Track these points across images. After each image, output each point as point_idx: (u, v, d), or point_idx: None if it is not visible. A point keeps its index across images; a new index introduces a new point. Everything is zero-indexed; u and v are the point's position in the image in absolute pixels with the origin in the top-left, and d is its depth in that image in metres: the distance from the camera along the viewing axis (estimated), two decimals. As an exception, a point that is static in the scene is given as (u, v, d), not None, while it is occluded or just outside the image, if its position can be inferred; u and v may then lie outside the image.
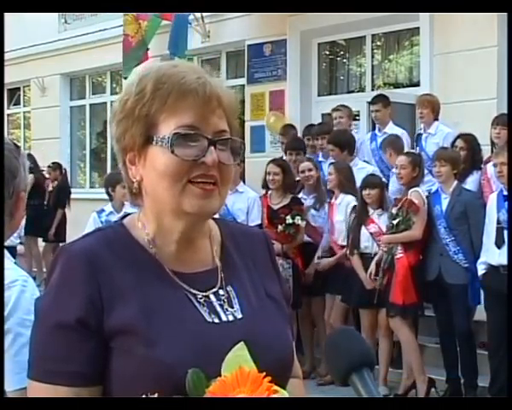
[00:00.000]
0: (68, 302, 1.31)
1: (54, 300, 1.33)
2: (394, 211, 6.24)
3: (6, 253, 1.86)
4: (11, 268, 1.82)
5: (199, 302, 1.38)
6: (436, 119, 7.41)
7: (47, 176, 11.45)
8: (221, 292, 1.41)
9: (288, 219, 6.77)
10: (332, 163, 7.09)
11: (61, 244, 8.01)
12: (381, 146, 7.51)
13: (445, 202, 6.15)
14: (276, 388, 1.17)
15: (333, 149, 7.32)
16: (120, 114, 1.39)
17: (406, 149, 7.13)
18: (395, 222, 6.18)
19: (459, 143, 6.70)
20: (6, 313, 1.72)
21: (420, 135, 7.59)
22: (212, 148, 1.34)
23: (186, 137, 1.34)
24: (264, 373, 1.17)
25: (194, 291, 1.38)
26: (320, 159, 7.86)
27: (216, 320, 1.37)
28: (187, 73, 1.36)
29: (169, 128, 1.34)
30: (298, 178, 7.34)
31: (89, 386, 1.30)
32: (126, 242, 1.40)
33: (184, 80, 1.35)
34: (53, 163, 11.65)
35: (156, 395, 1.21)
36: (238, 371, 1.18)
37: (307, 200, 7.13)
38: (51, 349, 1.30)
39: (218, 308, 1.39)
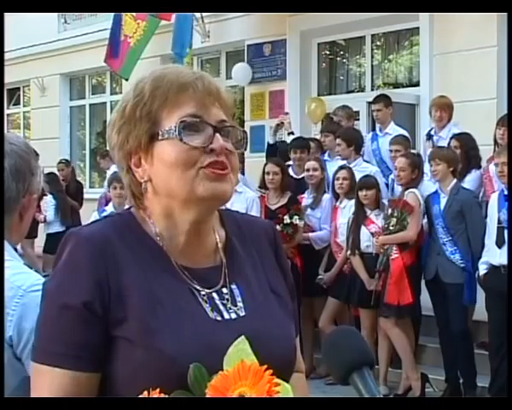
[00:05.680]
0: (75, 285, 1.31)
1: (61, 282, 1.33)
2: (389, 212, 6.25)
3: (15, 255, 1.82)
4: (25, 272, 1.77)
5: (202, 299, 1.38)
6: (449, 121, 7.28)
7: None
8: (224, 290, 1.41)
9: (286, 219, 6.76)
10: (344, 167, 6.94)
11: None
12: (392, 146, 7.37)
13: (443, 202, 6.15)
14: (277, 380, 1.17)
15: (340, 143, 7.27)
16: (120, 121, 1.40)
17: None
18: (390, 223, 6.18)
19: (453, 142, 6.70)
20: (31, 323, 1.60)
21: (431, 135, 7.43)
22: (218, 134, 1.36)
23: (192, 127, 1.36)
24: (266, 366, 1.17)
25: (198, 287, 1.38)
26: (325, 158, 7.79)
27: (218, 318, 1.37)
28: (183, 70, 1.42)
29: (173, 121, 1.36)
30: (302, 177, 7.33)
31: (87, 371, 1.30)
32: (135, 231, 1.40)
33: (182, 74, 1.40)
34: (63, 160, 11.54)
35: (158, 390, 1.20)
36: (240, 364, 1.18)
37: (307, 198, 7.12)
38: (54, 331, 1.30)
39: (221, 307, 1.38)
